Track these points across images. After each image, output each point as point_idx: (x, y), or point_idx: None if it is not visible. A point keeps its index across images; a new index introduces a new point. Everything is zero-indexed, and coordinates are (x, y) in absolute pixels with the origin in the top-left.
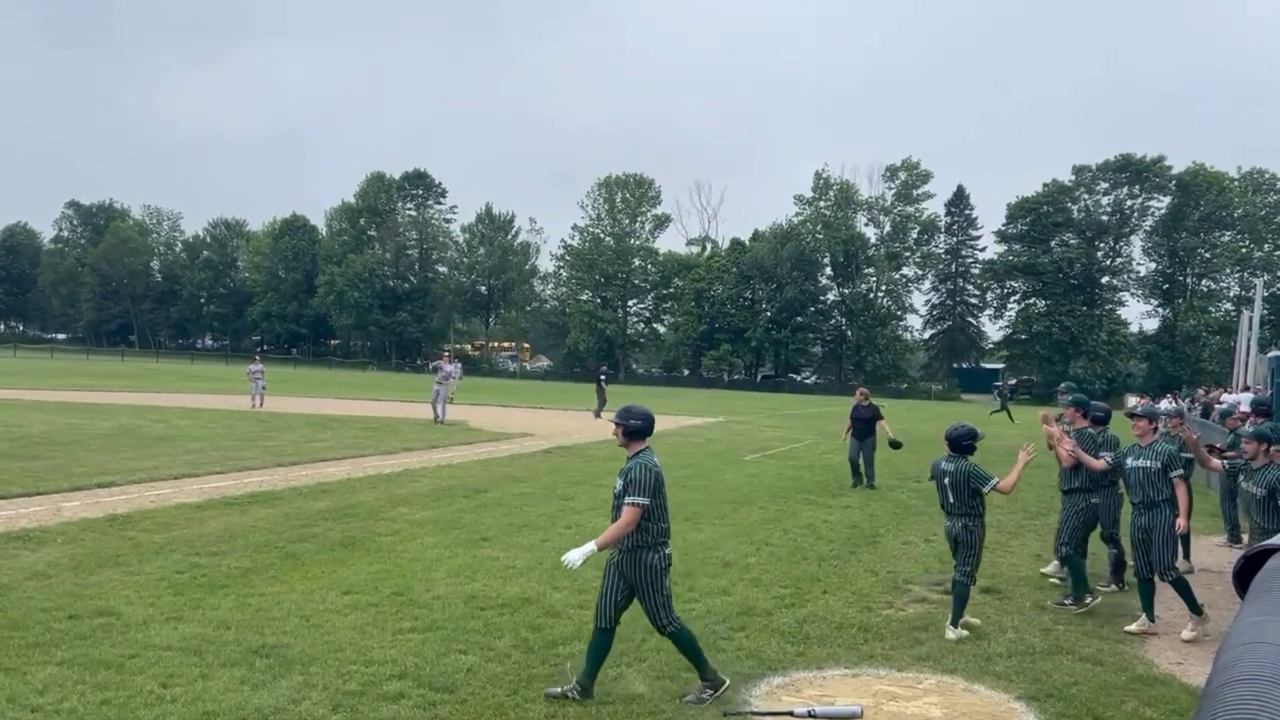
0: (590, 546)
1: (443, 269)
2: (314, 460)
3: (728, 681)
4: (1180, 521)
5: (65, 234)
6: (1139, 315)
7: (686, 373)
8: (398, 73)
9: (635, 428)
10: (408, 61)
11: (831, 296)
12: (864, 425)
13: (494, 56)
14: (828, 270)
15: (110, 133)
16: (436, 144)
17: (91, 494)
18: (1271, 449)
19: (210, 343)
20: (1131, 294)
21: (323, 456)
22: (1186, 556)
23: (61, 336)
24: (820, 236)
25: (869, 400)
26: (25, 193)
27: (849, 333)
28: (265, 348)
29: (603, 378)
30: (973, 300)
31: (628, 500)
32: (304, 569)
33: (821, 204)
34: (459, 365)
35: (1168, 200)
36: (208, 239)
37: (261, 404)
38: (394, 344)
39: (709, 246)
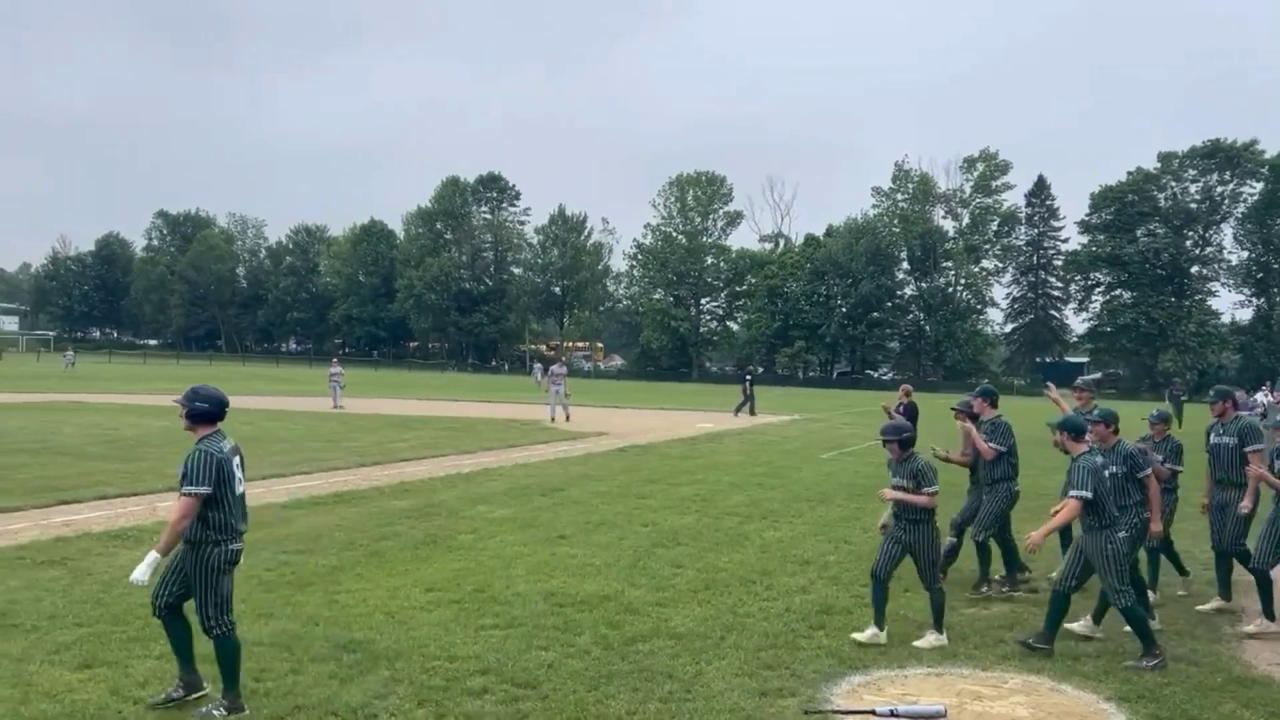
0: (153, 555)
1: (517, 270)
2: (395, 460)
3: (246, 710)
4: (1153, 527)
5: (155, 243)
6: (1231, 305)
7: (760, 370)
8: (473, 80)
9: (200, 410)
10: (482, 68)
11: (909, 291)
12: (912, 420)
13: (570, 60)
14: (904, 264)
15: (199, 144)
16: (511, 147)
17: None
18: None
19: (294, 346)
20: (1222, 284)
21: (403, 456)
22: (1183, 573)
23: (153, 342)
24: (897, 230)
25: (910, 397)
26: (118, 203)
27: (927, 328)
28: (346, 350)
29: (749, 378)
30: (1055, 293)
31: (182, 490)
32: (388, 566)
33: (899, 197)
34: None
35: (1260, 186)
36: (290, 245)
37: (340, 405)
38: (471, 345)
39: (782, 243)
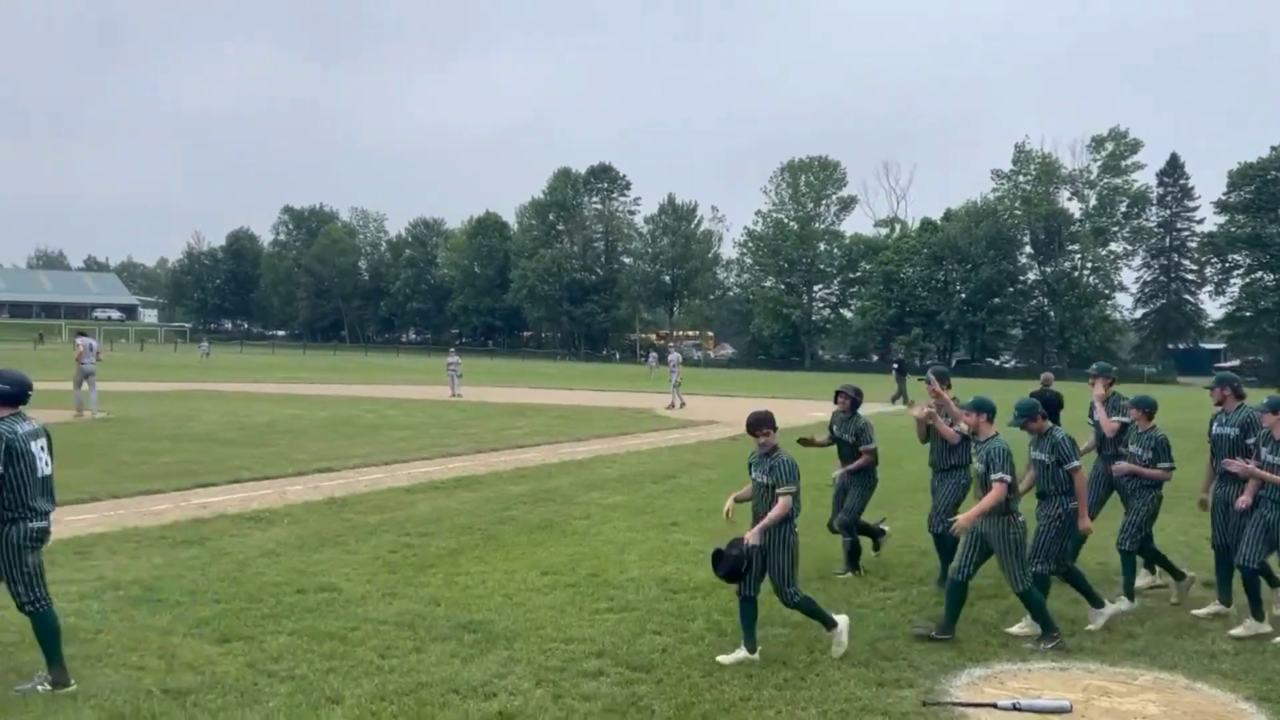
0: None
1: (627, 260)
2: (511, 446)
3: (73, 685)
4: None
5: (282, 237)
6: None
7: (875, 358)
8: (590, 74)
9: (1, 393)
10: (600, 61)
11: (1032, 276)
12: (1051, 412)
13: (683, 52)
14: (1027, 248)
15: (326, 140)
16: (623, 137)
17: (312, 479)
18: None
19: (414, 336)
20: None
21: (519, 443)
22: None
23: (281, 333)
24: (1019, 213)
25: (1051, 386)
26: (248, 200)
27: (1051, 314)
28: (463, 340)
29: (895, 365)
30: (1190, 276)
31: None
32: (505, 550)
33: (1021, 179)
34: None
35: None
36: (409, 238)
37: (458, 393)
38: (583, 334)
39: (898, 227)
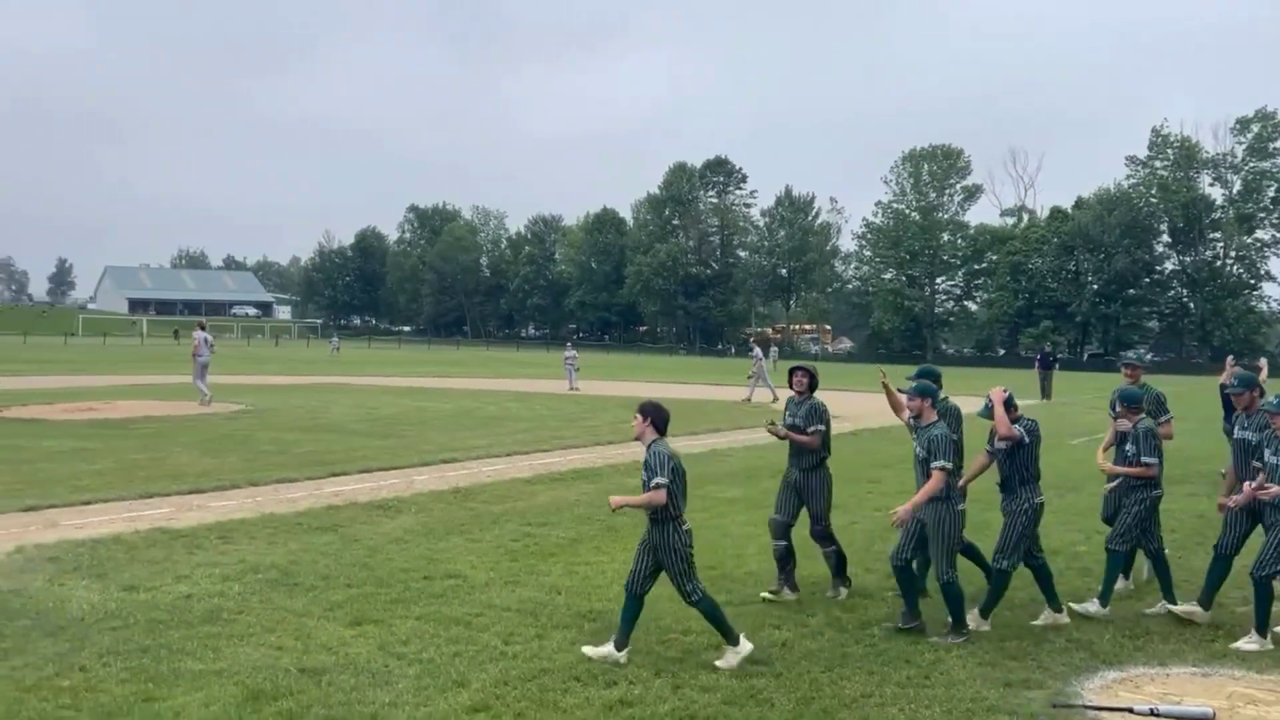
0: None
1: (743, 253)
2: (628, 440)
3: None
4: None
5: (407, 236)
6: None
7: (1002, 352)
8: (712, 67)
9: None
10: (719, 53)
11: (1170, 265)
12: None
13: (805, 45)
14: (1164, 237)
15: (451, 139)
16: (741, 130)
17: (437, 469)
18: None
19: (533, 331)
20: None
21: (636, 436)
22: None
23: (406, 329)
24: (1155, 200)
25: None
26: (376, 198)
27: (1191, 305)
28: (580, 335)
29: (1039, 359)
30: None
31: None
32: (623, 541)
33: (1157, 164)
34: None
35: None
36: (529, 235)
37: (576, 387)
38: (698, 329)
39: (1026, 216)
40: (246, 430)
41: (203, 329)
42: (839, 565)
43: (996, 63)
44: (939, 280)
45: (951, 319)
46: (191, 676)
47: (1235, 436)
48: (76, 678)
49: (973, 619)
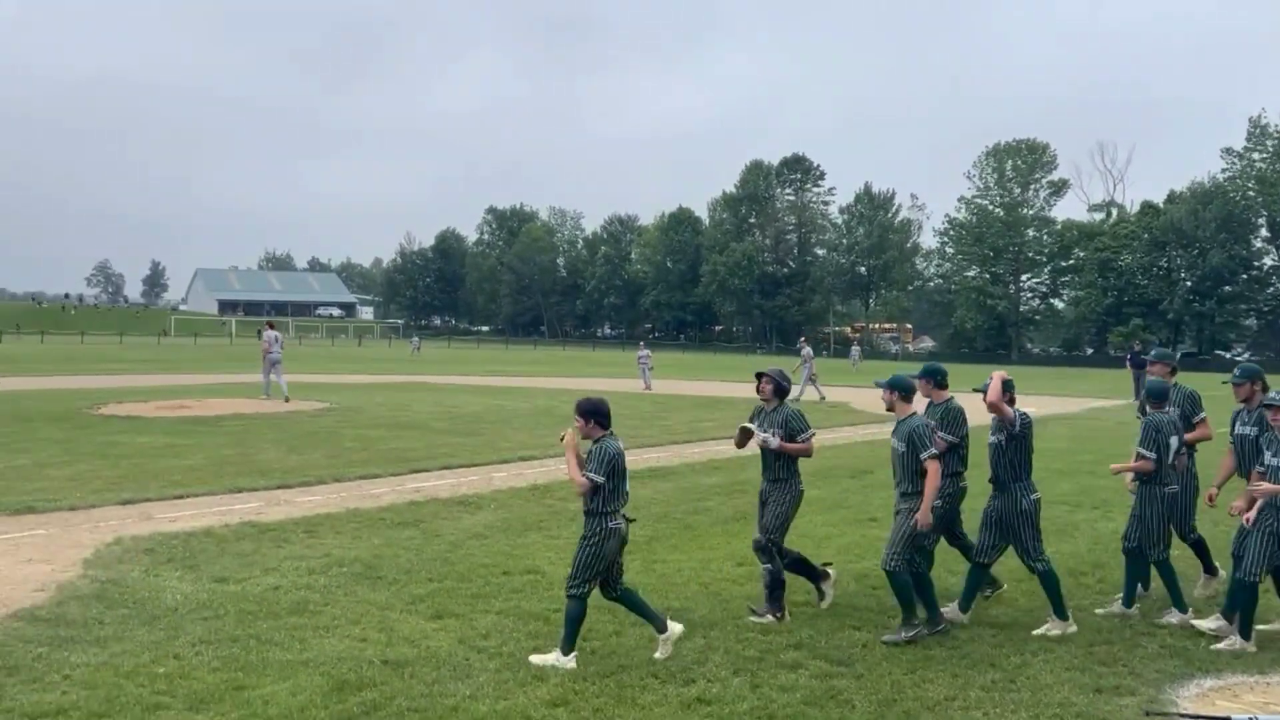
0: None
1: (821, 251)
2: (704, 439)
3: None
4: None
5: (485, 237)
6: None
7: (1090, 351)
8: (797, 64)
9: None
10: (802, 49)
11: (1269, 261)
12: None
13: (887, 38)
14: (1263, 232)
15: (531, 141)
16: (819, 127)
17: (516, 466)
18: None
19: (608, 331)
20: None
21: (712, 435)
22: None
23: (485, 329)
24: (1254, 193)
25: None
26: (456, 200)
27: None
28: (655, 335)
29: (1129, 356)
30: None
31: None
32: (700, 540)
33: (1255, 156)
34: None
35: None
36: (605, 235)
37: (649, 386)
38: (775, 328)
39: (1114, 212)
40: (331, 427)
41: (271, 328)
42: (772, 586)
43: (1084, 54)
44: (1024, 277)
45: (1037, 317)
46: (279, 666)
47: (1236, 432)
48: (171, 665)
49: (1058, 626)
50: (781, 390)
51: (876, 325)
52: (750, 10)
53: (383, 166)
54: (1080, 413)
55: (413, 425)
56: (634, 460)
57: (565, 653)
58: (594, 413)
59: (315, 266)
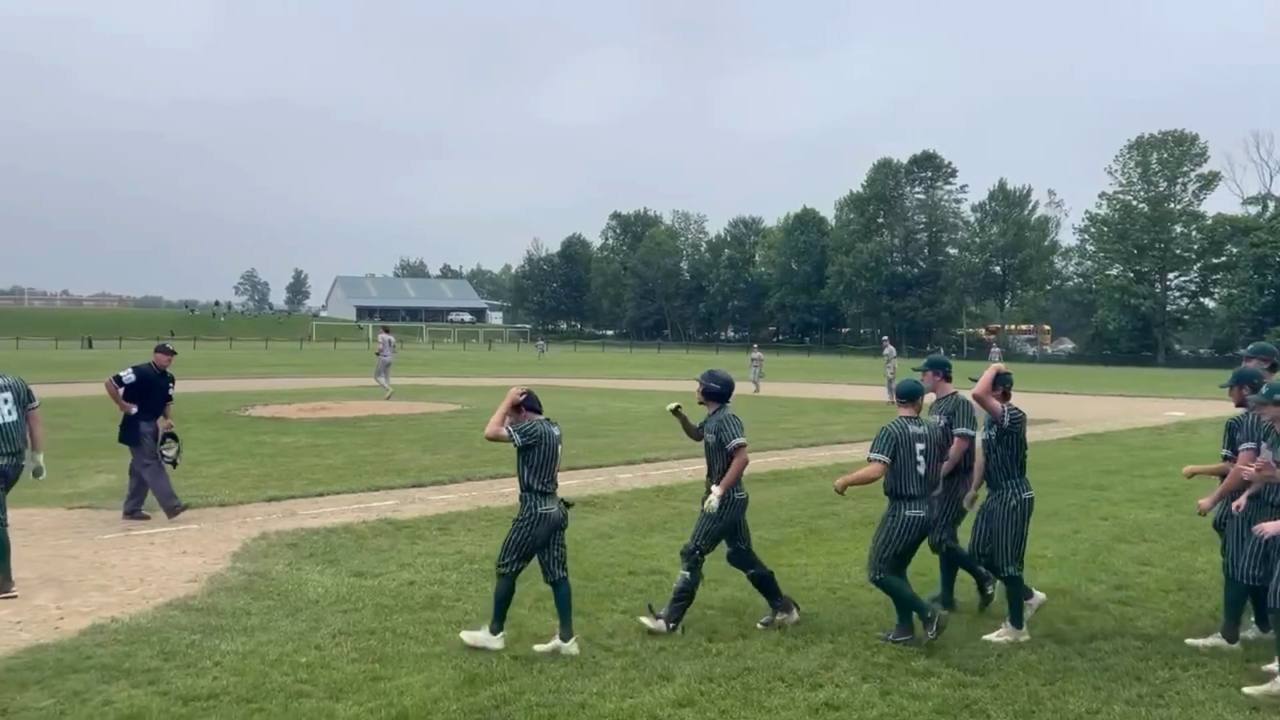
0: None
1: (953, 251)
2: (830, 442)
3: None
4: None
5: (610, 242)
6: None
7: (1244, 352)
8: (923, 67)
9: None
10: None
11: None
12: None
13: (1024, 31)
14: None
15: (651, 146)
16: (950, 127)
17: (640, 468)
18: None
19: (732, 334)
20: None
21: (839, 438)
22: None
23: (609, 333)
24: None
25: None
26: (581, 208)
27: None
28: (780, 337)
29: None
30: None
31: None
32: (827, 544)
33: None
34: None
35: None
36: (728, 238)
37: (758, 389)
38: (905, 330)
39: (1271, 205)
40: (463, 428)
41: (386, 332)
42: (680, 594)
43: (1237, 40)
44: (1171, 276)
45: (1186, 317)
46: (414, 659)
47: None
48: (312, 655)
49: (1010, 633)
50: (711, 393)
51: (1012, 326)
52: (878, 8)
53: (512, 174)
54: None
55: None
56: (758, 464)
57: (494, 631)
58: (526, 403)
59: (447, 273)
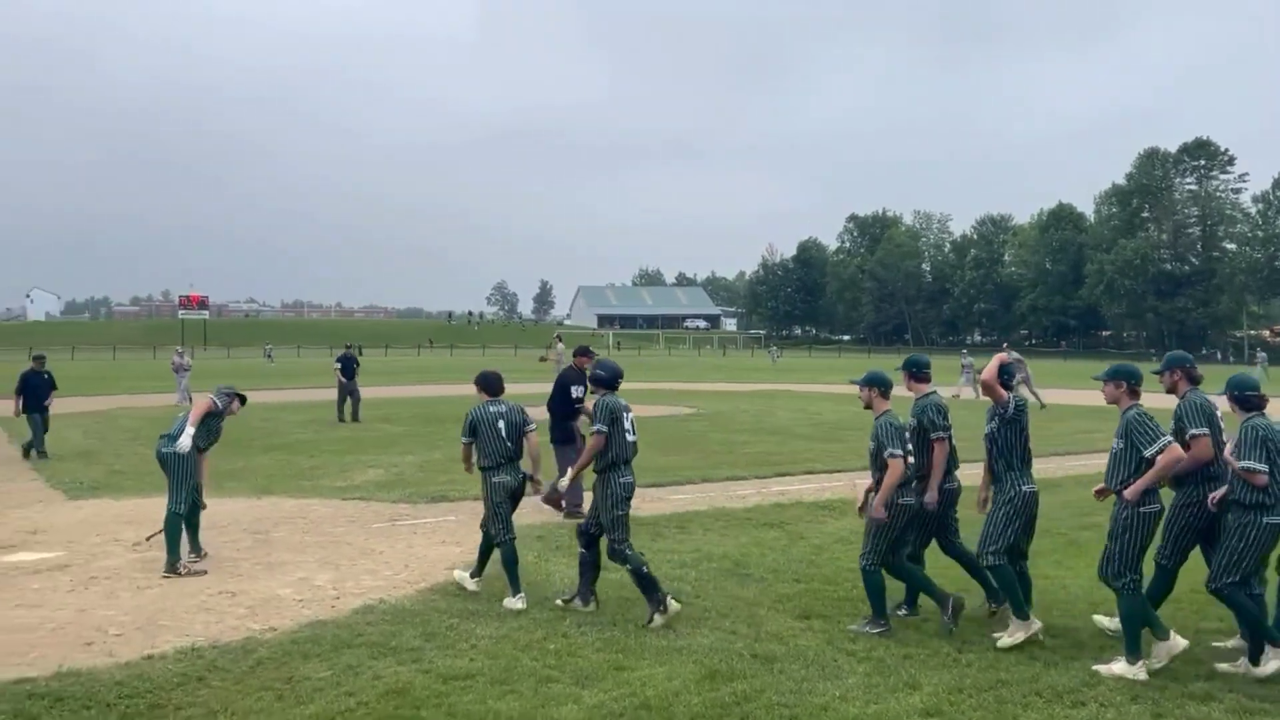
0: None
1: (1230, 246)
2: (1091, 450)
3: None
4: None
5: (846, 245)
6: None
7: None
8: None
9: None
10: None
11: None
12: None
13: None
14: None
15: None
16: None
17: None
18: None
19: (979, 338)
20: None
21: (1099, 447)
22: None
23: (846, 338)
24: None
25: None
26: (817, 210)
27: None
28: (1032, 341)
29: None
30: None
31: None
32: (1088, 556)
33: None
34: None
35: None
36: (975, 237)
37: (961, 394)
38: (1174, 332)
39: None
40: (699, 431)
41: (560, 340)
42: (642, 586)
43: None
44: None
45: None
46: (655, 651)
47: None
48: (560, 643)
49: (1021, 628)
50: (598, 379)
51: None
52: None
53: (750, 179)
54: None
55: (776, 430)
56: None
57: (514, 594)
58: (482, 384)
59: (682, 281)
